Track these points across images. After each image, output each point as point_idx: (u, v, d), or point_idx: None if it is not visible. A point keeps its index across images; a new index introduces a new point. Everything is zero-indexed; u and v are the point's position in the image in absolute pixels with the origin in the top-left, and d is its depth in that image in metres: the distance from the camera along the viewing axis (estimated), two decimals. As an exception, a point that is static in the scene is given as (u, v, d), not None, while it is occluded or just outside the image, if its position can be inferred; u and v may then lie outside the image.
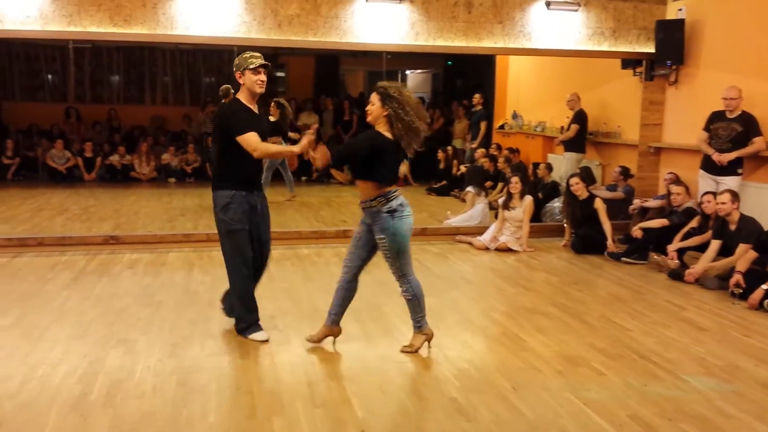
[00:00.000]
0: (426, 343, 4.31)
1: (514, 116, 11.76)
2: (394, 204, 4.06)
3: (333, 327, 4.36)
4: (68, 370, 3.86)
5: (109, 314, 4.85)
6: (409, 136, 4.01)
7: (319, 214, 8.95)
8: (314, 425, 3.27)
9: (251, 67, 4.19)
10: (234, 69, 4.27)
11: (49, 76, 13.66)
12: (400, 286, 4.24)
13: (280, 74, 14.83)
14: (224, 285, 5.63)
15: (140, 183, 11.97)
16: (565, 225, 7.65)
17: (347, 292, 4.33)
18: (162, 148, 12.81)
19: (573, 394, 3.68)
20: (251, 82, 4.22)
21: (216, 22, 6.77)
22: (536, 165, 9.67)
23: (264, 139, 4.24)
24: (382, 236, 4.08)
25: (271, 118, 8.46)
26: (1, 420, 3.25)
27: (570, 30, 7.69)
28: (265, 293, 5.41)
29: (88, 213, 8.71)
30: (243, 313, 4.44)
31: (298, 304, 5.20)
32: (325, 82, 14.68)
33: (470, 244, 7.42)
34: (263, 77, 4.24)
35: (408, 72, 15.85)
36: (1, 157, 11.70)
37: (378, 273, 6.15)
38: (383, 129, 4.03)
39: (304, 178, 12.29)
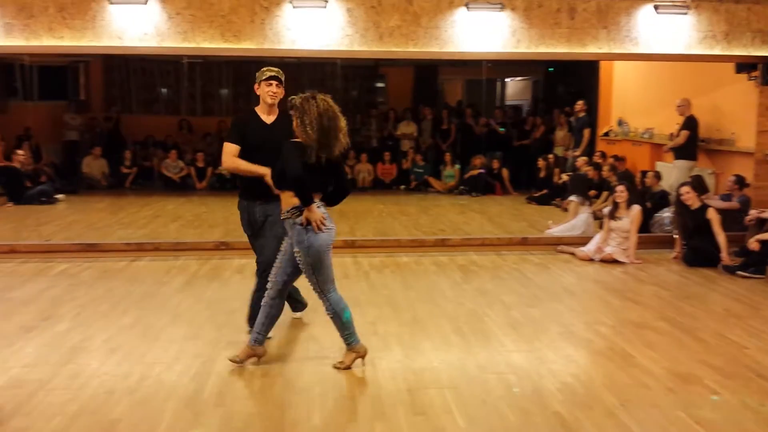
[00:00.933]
0: (360, 360, 4.09)
1: (620, 123, 11.39)
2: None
3: (257, 347, 4.11)
4: (182, 369, 4.06)
5: (220, 317, 5.08)
6: (319, 144, 3.80)
7: (417, 222, 9.00)
8: (416, 432, 3.29)
9: (263, 78, 4.40)
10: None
11: (164, 90, 14.46)
12: (323, 304, 4.05)
13: (379, 85, 15.06)
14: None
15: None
16: (675, 236, 7.32)
17: (273, 309, 4.11)
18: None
19: (684, 412, 3.52)
20: (264, 93, 4.42)
21: (320, 35, 6.96)
22: (644, 173, 9.31)
23: (273, 149, 4.01)
24: (297, 249, 3.91)
25: None
26: (120, 415, 3.46)
27: (679, 34, 7.37)
28: (366, 299, 5.52)
29: (200, 220, 9.14)
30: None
31: (398, 312, 5.24)
32: (423, 91, 14.75)
33: (573, 254, 7.24)
34: (274, 89, 4.40)
35: (507, 80, 15.69)
36: (120, 166, 12.47)
37: (478, 282, 6.13)
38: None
39: (402, 186, 12.40)
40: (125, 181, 12.30)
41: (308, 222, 3.86)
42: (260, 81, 4.43)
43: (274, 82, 4.41)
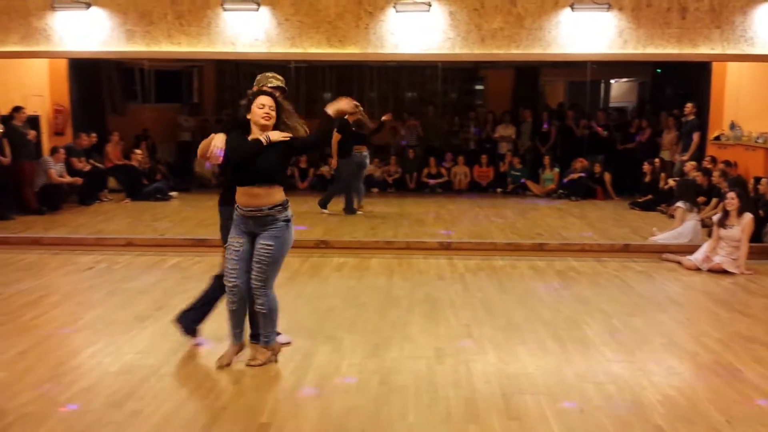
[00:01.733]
0: (273, 358, 4.16)
1: (732, 127, 10.79)
2: (290, 212, 4.05)
3: (240, 344, 4.20)
4: (283, 361, 4.23)
5: (319, 313, 5.25)
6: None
7: (514, 226, 8.91)
8: (509, 436, 3.30)
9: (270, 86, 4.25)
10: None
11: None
12: (257, 299, 4.04)
13: (478, 87, 14.99)
14: (422, 290, 5.88)
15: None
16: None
17: (246, 309, 4.16)
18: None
19: (798, 434, 3.34)
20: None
21: (422, 39, 7.05)
22: (757, 180, 8.81)
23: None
24: (270, 243, 3.95)
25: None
26: (225, 403, 3.66)
27: (802, 32, 6.96)
28: (460, 302, 5.55)
29: (301, 218, 9.42)
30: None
31: (492, 315, 5.23)
32: (524, 93, 14.55)
33: (679, 263, 6.96)
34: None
35: (612, 81, 15.23)
36: (228, 166, 13.02)
37: (577, 289, 6.02)
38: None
39: (499, 189, 12.29)
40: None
41: (289, 219, 4.03)
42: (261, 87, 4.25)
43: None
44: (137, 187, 10.92)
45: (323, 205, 9.57)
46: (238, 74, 14.68)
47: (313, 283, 6.19)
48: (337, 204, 9.58)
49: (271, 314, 4.13)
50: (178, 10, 7.19)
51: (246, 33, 7.18)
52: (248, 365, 4.12)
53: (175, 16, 7.21)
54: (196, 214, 9.61)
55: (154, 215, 9.32)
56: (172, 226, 8.66)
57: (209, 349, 4.43)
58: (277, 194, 3.98)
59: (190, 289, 5.88)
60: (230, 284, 4.05)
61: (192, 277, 6.33)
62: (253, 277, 4.03)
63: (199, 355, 4.33)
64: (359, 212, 9.53)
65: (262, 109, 3.93)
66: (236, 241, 4.03)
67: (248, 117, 3.99)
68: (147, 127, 12.90)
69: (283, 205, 4.01)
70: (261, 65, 14.31)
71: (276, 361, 4.20)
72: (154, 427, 3.35)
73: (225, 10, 7.07)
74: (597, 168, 11.70)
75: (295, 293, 5.79)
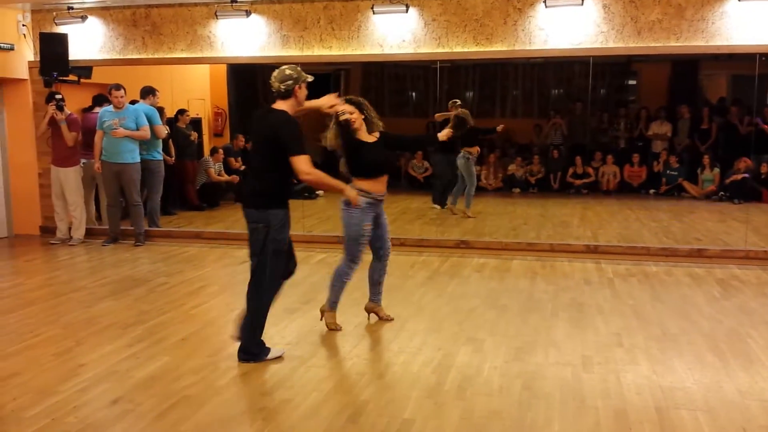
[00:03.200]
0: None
1: None
2: None
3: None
4: (425, 359, 4.26)
5: (460, 313, 5.22)
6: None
7: (669, 229, 8.40)
8: (663, 453, 3.10)
9: (309, 80, 4.17)
10: (286, 80, 4.09)
11: (413, 94, 15.16)
12: (386, 263, 5.00)
13: (631, 82, 14.26)
14: (567, 295, 5.69)
15: (486, 192, 12.57)
16: None
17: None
18: (509, 159, 13.27)
19: None
20: (303, 96, 4.18)
21: (573, 34, 6.82)
22: None
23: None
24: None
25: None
26: (368, 397, 3.73)
27: None
28: (609, 308, 5.31)
29: (441, 218, 9.46)
30: (255, 335, 4.23)
31: (645, 324, 4.95)
32: (681, 88, 13.65)
33: None
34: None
35: (784, 74, 13.92)
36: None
37: (741, 299, 5.57)
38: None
39: (652, 191, 11.63)
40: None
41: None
42: (302, 82, 4.18)
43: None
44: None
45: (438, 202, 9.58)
46: (383, 76, 14.96)
47: (453, 282, 6.18)
48: (475, 205, 9.48)
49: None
50: (330, 15, 7.44)
51: (393, 35, 7.28)
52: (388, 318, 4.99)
53: (327, 21, 7.46)
54: (337, 213, 9.91)
55: (303, 212, 9.71)
56: (318, 223, 8.99)
57: (353, 342, 4.55)
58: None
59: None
60: (361, 261, 4.79)
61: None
62: (388, 246, 4.96)
63: (344, 349, 4.45)
64: (452, 212, 9.34)
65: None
66: (370, 227, 4.78)
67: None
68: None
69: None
70: (404, 66, 14.59)
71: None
72: (302, 416, 3.49)
73: (375, 13, 7.22)
74: (764, 168, 10.74)
75: (436, 292, 5.81)
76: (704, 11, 6.55)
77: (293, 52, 7.62)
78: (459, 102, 8.83)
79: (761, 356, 4.28)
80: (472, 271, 6.62)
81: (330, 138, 4.80)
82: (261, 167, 4.16)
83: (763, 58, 11.14)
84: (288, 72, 4.11)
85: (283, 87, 4.09)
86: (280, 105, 4.14)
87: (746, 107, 12.18)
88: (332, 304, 4.85)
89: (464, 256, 7.19)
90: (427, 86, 14.78)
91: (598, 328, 4.85)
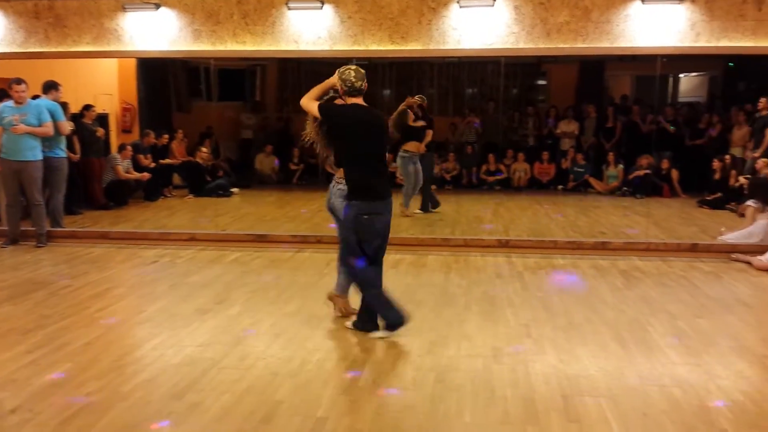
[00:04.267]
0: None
1: (810, 122, 10.29)
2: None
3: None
4: (340, 357, 4.26)
5: (376, 309, 5.24)
6: None
7: (575, 224, 8.72)
8: (569, 439, 3.22)
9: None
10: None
11: (331, 92, 15.09)
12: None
13: (541, 82, 14.72)
14: (479, 288, 5.81)
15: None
16: None
17: None
18: (425, 156, 13.42)
19: None
20: None
21: (486, 34, 6.96)
22: (837, 178, 8.37)
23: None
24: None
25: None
26: (282, 397, 3.68)
27: None
28: (519, 301, 5.46)
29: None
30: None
31: (552, 315, 5.12)
32: (588, 88, 14.21)
33: (749, 263, 6.68)
34: None
35: (682, 75, 14.71)
36: (289, 163, 13.20)
37: (642, 289, 5.84)
38: None
39: (560, 186, 12.05)
40: (293, 177, 12.99)
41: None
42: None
43: None
44: (200, 183, 11.18)
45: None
46: (299, 72, 14.85)
47: (370, 279, 6.19)
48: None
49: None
50: (244, 10, 7.31)
51: (309, 31, 7.23)
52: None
53: (240, 16, 7.33)
54: (256, 210, 9.78)
55: (216, 211, 9.52)
56: (232, 221, 8.83)
57: (267, 341, 4.49)
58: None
59: (250, 282, 6.00)
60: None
61: (252, 271, 6.44)
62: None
63: (258, 349, 4.39)
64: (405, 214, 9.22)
65: None
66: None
67: None
68: (210, 125, 13.19)
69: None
70: (321, 63, 14.54)
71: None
72: (213, 419, 3.41)
73: (290, 9, 7.15)
74: (664, 164, 11.34)
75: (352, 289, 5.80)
76: (609, 14, 6.82)
77: (205, 46, 7.45)
78: (416, 97, 8.81)
79: (660, 343, 4.50)
80: (388, 267, 6.59)
81: (310, 132, 4.81)
82: (383, 158, 4.68)
83: (664, 60, 11.72)
84: (362, 71, 4.61)
85: (364, 85, 4.60)
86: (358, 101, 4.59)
87: (648, 106, 12.82)
88: (342, 290, 5.00)
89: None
90: (345, 84, 14.77)
91: (509, 320, 4.98)
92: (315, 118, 4.67)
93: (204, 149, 11.63)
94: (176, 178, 11.41)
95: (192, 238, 7.64)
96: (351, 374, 3.97)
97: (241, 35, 7.36)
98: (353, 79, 4.52)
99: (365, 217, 4.49)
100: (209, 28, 7.41)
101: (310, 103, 4.57)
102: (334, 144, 4.69)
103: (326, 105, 4.55)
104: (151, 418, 3.43)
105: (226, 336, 4.62)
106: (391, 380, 3.90)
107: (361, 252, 4.59)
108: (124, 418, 3.41)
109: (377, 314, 4.60)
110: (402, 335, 4.61)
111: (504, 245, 7.27)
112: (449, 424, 3.38)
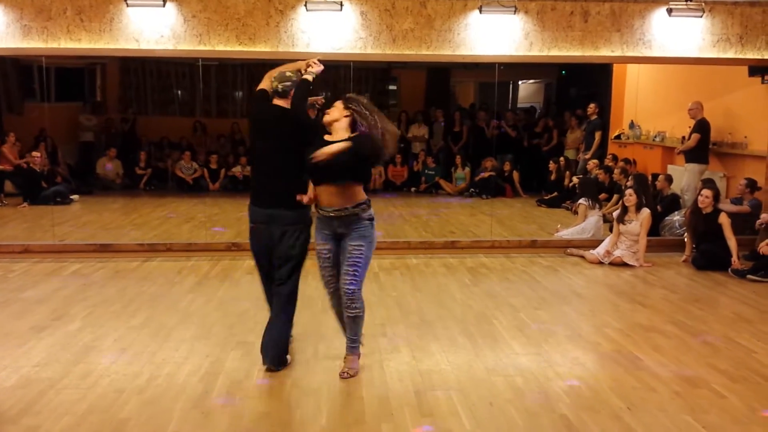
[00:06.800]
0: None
1: (632, 126, 11.34)
2: (372, 211, 4.00)
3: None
4: (192, 369, 4.11)
5: (230, 317, 5.13)
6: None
7: (427, 224, 9.02)
8: (421, 434, 3.32)
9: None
10: (284, 81, 4.30)
11: (179, 92, 14.56)
12: (354, 303, 3.93)
13: (392, 87, 15.08)
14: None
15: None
16: (685, 239, 7.30)
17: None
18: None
19: (691, 416, 3.52)
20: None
21: (334, 38, 7.01)
22: (655, 176, 9.28)
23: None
24: (361, 243, 3.89)
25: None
26: (129, 414, 3.50)
27: (693, 37, 7.36)
28: (375, 301, 5.55)
29: (212, 221, 9.20)
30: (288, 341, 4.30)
31: (406, 313, 5.26)
32: (436, 94, 14.75)
33: (582, 257, 7.24)
34: None
35: (520, 82, 15.67)
36: (135, 167, 12.58)
37: (487, 285, 6.15)
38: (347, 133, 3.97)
39: (413, 188, 12.42)
40: (139, 182, 12.40)
41: (372, 217, 3.99)
42: None
43: None
44: (36, 190, 10.35)
45: None
46: (143, 71, 14.19)
47: (224, 286, 6.04)
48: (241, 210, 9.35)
49: (363, 315, 4.04)
50: (78, 6, 6.86)
51: (150, 29, 6.92)
52: (347, 376, 3.97)
53: (75, 12, 6.87)
54: (98, 218, 9.23)
55: (54, 220, 8.85)
56: (72, 230, 8.26)
57: (111, 357, 4.25)
58: (357, 194, 3.92)
59: (92, 296, 5.65)
60: (329, 291, 4.12)
61: (94, 283, 6.06)
62: (347, 280, 3.91)
63: (101, 366, 4.14)
64: None
65: None
66: (323, 246, 4.03)
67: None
68: (45, 127, 12.27)
69: (368, 203, 3.97)
70: (168, 62, 13.99)
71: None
72: (51, 444, 3.18)
73: (128, 5, 6.81)
74: (506, 166, 12.00)
75: (205, 298, 5.64)
76: (451, 22, 7.12)
77: (37, 43, 6.91)
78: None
79: (505, 335, 4.76)
80: (243, 273, 6.52)
81: None
82: (291, 166, 4.08)
83: (502, 67, 12.38)
84: (288, 74, 4.32)
85: (281, 87, 4.23)
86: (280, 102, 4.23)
87: (491, 111, 13.53)
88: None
89: (236, 258, 7.07)
90: (194, 84, 14.32)
91: (365, 320, 5.03)
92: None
93: (36, 154, 10.79)
94: (9, 186, 10.49)
95: (26, 250, 7.07)
96: (203, 387, 3.85)
97: (76, 32, 6.90)
98: (274, 81, 4.28)
99: (251, 225, 4.24)
100: (40, 24, 6.89)
101: None
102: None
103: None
104: (-22, 449, 3.13)
105: (65, 354, 4.32)
106: (246, 389, 3.82)
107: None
108: (-54, 452, 3.09)
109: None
110: (257, 343, 4.53)
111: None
112: (305, 428, 3.38)
